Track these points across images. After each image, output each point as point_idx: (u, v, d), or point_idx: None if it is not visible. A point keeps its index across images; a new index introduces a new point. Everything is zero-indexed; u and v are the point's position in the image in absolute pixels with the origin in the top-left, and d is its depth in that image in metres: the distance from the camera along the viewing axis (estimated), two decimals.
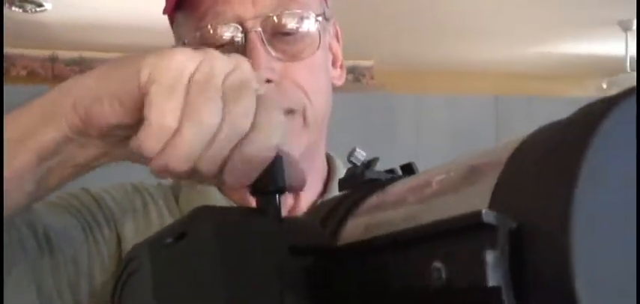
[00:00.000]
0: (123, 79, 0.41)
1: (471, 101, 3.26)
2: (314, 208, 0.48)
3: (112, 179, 0.71)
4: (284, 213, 0.70)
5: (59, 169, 0.46)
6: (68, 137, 0.44)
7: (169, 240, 0.37)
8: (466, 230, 0.27)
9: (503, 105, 3.38)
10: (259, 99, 0.40)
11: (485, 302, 0.26)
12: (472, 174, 0.34)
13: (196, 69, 0.39)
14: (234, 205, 0.71)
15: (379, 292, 0.33)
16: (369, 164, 0.46)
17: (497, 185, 0.30)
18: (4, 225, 0.50)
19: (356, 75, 3.55)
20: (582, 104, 0.29)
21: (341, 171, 0.76)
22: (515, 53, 3.78)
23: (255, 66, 0.52)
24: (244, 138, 0.39)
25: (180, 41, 0.71)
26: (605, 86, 3.53)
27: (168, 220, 0.70)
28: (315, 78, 0.70)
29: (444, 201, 0.35)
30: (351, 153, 0.47)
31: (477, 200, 0.30)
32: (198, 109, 0.38)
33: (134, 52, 0.45)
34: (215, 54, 0.41)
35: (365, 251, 0.34)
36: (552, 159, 0.27)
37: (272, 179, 0.39)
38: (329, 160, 0.79)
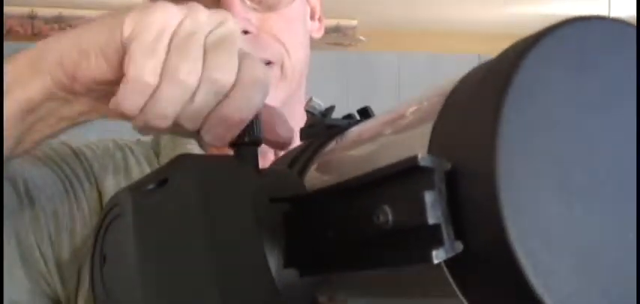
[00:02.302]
0: (107, 35, 0.41)
1: (454, 60, 3.23)
2: (280, 158, 0.50)
3: (94, 135, 0.71)
4: (266, 165, 0.72)
5: (42, 124, 0.46)
6: (52, 92, 0.44)
7: (151, 187, 0.38)
8: (406, 173, 0.29)
9: None
10: (241, 56, 0.40)
11: (428, 239, 0.28)
12: (417, 116, 0.36)
13: (179, 25, 0.39)
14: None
15: (340, 235, 0.35)
16: (326, 113, 0.48)
17: (434, 127, 0.32)
18: None
19: (339, 34, 3.52)
20: None
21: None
22: (499, 13, 3.79)
23: None
24: (225, 96, 0.39)
25: None
26: None
27: None
28: (292, 30, 0.70)
29: (393, 143, 0.37)
30: (308, 103, 0.48)
31: (419, 142, 0.32)
32: (177, 68, 0.38)
33: (114, 8, 0.45)
34: (199, 8, 0.41)
35: (325, 198, 0.36)
36: (478, 98, 0.29)
37: (250, 132, 0.41)
38: (308, 114, 0.80)
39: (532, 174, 0.27)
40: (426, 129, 0.32)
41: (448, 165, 0.29)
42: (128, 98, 0.38)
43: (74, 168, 0.68)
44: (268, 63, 0.67)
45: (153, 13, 0.40)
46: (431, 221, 0.28)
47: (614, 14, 3.39)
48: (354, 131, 0.45)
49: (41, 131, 0.47)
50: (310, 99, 0.49)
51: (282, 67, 0.69)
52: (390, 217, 0.30)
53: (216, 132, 0.40)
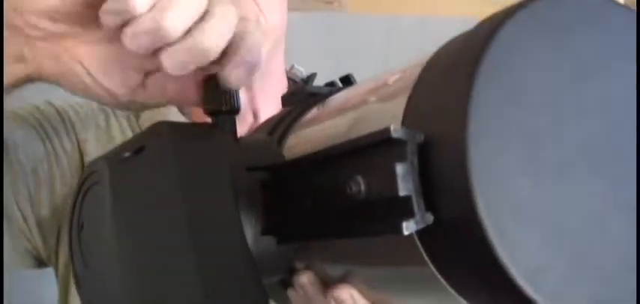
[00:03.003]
0: None
1: (444, 23, 3.18)
2: (261, 125, 0.50)
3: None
4: (246, 131, 0.71)
5: None
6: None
7: (128, 154, 0.38)
8: (379, 145, 0.29)
9: None
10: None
11: (399, 211, 0.29)
12: (395, 87, 0.36)
13: None
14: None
15: (316, 204, 0.35)
16: (307, 80, 0.48)
17: (409, 99, 0.32)
18: None
19: None
20: None
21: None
22: None
23: None
24: (193, 26, 0.37)
25: None
26: None
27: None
28: None
29: (370, 114, 0.37)
30: (290, 70, 0.48)
31: (394, 113, 0.32)
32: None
33: None
34: None
35: (301, 168, 0.37)
36: (452, 70, 0.29)
37: (228, 100, 0.40)
38: (290, 81, 0.79)
39: (503, 147, 0.28)
40: (402, 101, 0.32)
41: (421, 137, 0.29)
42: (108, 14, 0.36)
43: (56, 127, 0.67)
44: None
45: None
46: (402, 193, 0.28)
47: None
48: (334, 100, 0.45)
49: None
50: (292, 67, 0.49)
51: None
52: (363, 188, 0.30)
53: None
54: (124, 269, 0.34)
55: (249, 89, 0.71)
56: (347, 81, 0.49)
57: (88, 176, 0.38)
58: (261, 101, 0.72)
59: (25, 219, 0.64)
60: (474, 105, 0.27)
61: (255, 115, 0.73)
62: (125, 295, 0.34)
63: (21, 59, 0.41)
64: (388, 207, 0.29)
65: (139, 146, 0.37)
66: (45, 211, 0.65)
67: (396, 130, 0.28)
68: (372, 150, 0.30)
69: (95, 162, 0.38)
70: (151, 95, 0.41)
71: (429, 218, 0.28)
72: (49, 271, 0.69)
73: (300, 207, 0.36)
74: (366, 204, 0.30)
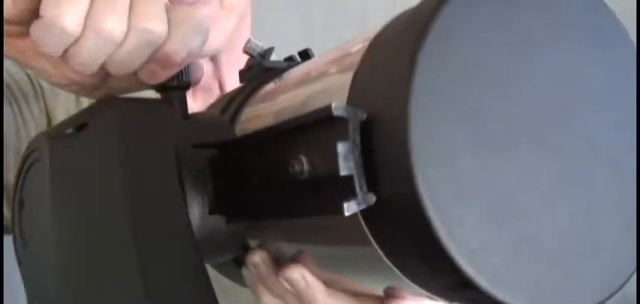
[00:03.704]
0: None
1: None
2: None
3: None
4: (211, 101, 0.70)
5: None
6: None
7: (69, 131, 0.36)
8: (321, 123, 0.29)
9: None
10: (169, 5, 0.37)
11: (340, 191, 0.28)
12: (344, 62, 0.36)
13: None
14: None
15: (262, 183, 0.34)
16: (264, 54, 0.47)
17: (355, 74, 0.31)
18: None
19: None
20: None
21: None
22: None
23: None
24: (161, 44, 0.37)
25: None
26: None
27: None
28: None
29: (319, 91, 0.36)
30: (247, 45, 0.47)
31: (341, 90, 0.32)
32: (102, 18, 0.35)
33: None
34: None
35: (248, 145, 0.36)
36: (397, 45, 0.29)
37: (178, 76, 0.39)
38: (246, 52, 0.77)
39: (447, 125, 0.27)
40: (348, 77, 0.32)
41: (363, 115, 0.28)
42: (47, 42, 0.35)
43: (25, 91, 0.67)
44: None
45: None
46: (343, 172, 0.27)
47: None
48: (291, 74, 0.44)
49: None
50: (249, 41, 0.48)
51: None
52: (306, 167, 0.30)
53: (153, 71, 0.38)
54: (60, 252, 0.33)
55: (215, 61, 0.70)
56: (305, 55, 0.48)
57: (29, 153, 0.37)
58: (227, 73, 0.71)
59: None
60: (417, 82, 0.27)
61: (222, 87, 0.72)
62: (61, 279, 0.33)
63: None
64: (330, 186, 0.28)
65: (81, 122, 0.35)
66: (11, 175, 0.64)
67: (338, 108, 0.28)
68: (315, 128, 0.29)
69: (36, 138, 0.37)
70: (119, 83, 0.40)
71: (371, 198, 0.28)
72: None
73: (247, 186, 0.35)
74: (309, 183, 0.30)
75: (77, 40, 0.35)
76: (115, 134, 0.34)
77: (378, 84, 0.29)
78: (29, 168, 0.37)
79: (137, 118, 0.36)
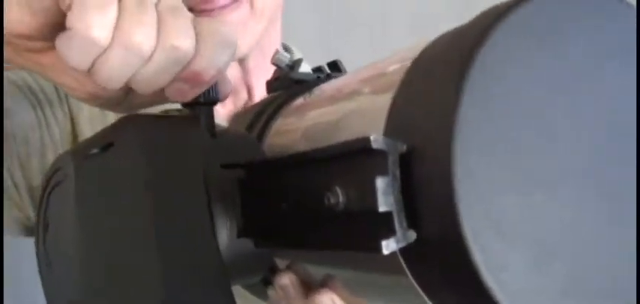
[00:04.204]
0: None
1: None
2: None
3: None
4: (240, 107, 0.69)
5: None
6: None
7: (95, 150, 0.35)
8: (359, 155, 0.27)
9: None
10: (198, 20, 0.36)
11: (379, 227, 0.27)
12: (380, 82, 0.34)
13: None
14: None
15: (293, 209, 0.33)
16: (293, 66, 0.46)
17: (393, 100, 0.30)
18: None
19: None
20: None
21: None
22: None
23: None
24: (189, 62, 0.36)
25: None
26: None
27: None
28: None
29: (354, 112, 0.35)
30: (275, 55, 0.46)
31: (378, 115, 0.30)
32: (131, 32, 0.34)
33: None
34: None
35: (279, 168, 0.35)
36: (440, 73, 0.27)
37: (206, 92, 0.37)
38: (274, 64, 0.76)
39: (490, 160, 0.26)
40: (386, 101, 0.30)
41: (403, 148, 0.27)
42: (74, 55, 0.34)
43: (49, 96, 0.66)
44: (235, 0, 0.64)
45: None
46: (382, 208, 0.26)
47: None
48: (320, 90, 0.43)
49: None
50: (277, 52, 0.47)
51: (251, 3, 0.65)
52: (341, 199, 0.28)
53: (180, 89, 0.37)
54: (85, 275, 0.32)
55: (244, 65, 0.69)
56: (334, 67, 0.47)
57: (53, 173, 0.36)
58: (256, 77, 0.70)
59: (16, 187, 0.63)
60: (461, 115, 0.25)
61: (250, 91, 0.71)
62: (86, 302, 0.32)
63: (7, 62, 0.40)
64: (368, 221, 0.27)
65: (107, 142, 0.34)
66: (36, 180, 0.64)
67: (377, 140, 0.26)
68: (351, 159, 0.28)
69: (61, 157, 0.36)
70: (143, 98, 0.39)
71: (411, 235, 0.27)
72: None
73: (277, 210, 0.34)
74: (344, 215, 0.28)
75: (104, 53, 0.34)
76: (142, 155, 0.33)
77: (418, 115, 0.27)
78: (53, 188, 0.36)
79: (164, 138, 0.35)
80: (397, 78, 0.31)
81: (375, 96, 0.35)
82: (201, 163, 0.35)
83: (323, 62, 0.49)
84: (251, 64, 0.70)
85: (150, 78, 0.35)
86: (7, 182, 0.62)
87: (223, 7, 0.63)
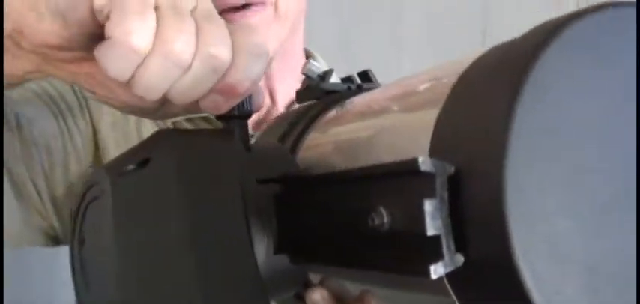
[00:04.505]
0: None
1: None
2: (274, 123, 0.48)
3: None
4: (263, 111, 0.68)
5: None
6: None
7: (131, 167, 0.35)
8: (405, 176, 0.27)
9: None
10: (231, 28, 0.36)
11: (426, 251, 0.26)
12: (423, 98, 0.34)
13: None
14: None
15: (333, 227, 0.33)
16: (324, 76, 0.45)
17: (439, 117, 0.29)
18: None
19: None
20: None
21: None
22: None
23: None
24: (224, 74, 0.35)
25: None
26: None
27: (143, 119, 0.68)
28: None
29: (395, 128, 0.34)
30: (305, 66, 0.46)
31: (422, 132, 0.30)
32: (172, 40, 0.33)
33: None
34: None
35: (318, 184, 0.34)
36: (489, 91, 0.27)
37: (239, 105, 0.37)
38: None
39: (543, 182, 0.25)
40: (431, 117, 0.30)
41: (451, 169, 0.26)
42: (114, 65, 0.33)
43: (70, 104, 0.66)
44: (260, 3, 0.63)
45: None
46: (430, 232, 0.26)
47: None
48: (353, 103, 0.42)
49: None
50: (307, 62, 0.46)
51: (275, 5, 0.64)
52: (386, 220, 0.28)
53: (216, 102, 0.37)
54: (122, 290, 0.32)
55: (266, 70, 0.69)
56: (365, 76, 0.46)
57: (88, 189, 0.36)
58: (278, 81, 0.70)
59: (39, 196, 0.63)
60: (513, 136, 0.25)
61: (272, 95, 0.71)
62: None
63: (37, 72, 0.40)
64: (414, 244, 0.27)
65: (143, 158, 0.34)
66: (60, 189, 0.64)
67: (425, 162, 0.26)
68: (397, 180, 0.27)
69: (96, 173, 0.36)
70: (177, 108, 0.39)
71: (459, 259, 0.26)
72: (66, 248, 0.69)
73: (315, 227, 0.34)
74: (389, 237, 0.28)
75: (144, 62, 0.33)
76: (178, 171, 0.33)
77: (466, 133, 0.27)
78: (88, 205, 0.35)
79: (200, 154, 0.34)
80: (439, 95, 0.30)
81: (415, 112, 0.34)
82: (238, 178, 0.34)
83: (342, 66, 0.48)
84: (274, 67, 0.69)
85: (187, 88, 0.35)
86: (31, 191, 0.62)
87: (247, 7, 0.63)
